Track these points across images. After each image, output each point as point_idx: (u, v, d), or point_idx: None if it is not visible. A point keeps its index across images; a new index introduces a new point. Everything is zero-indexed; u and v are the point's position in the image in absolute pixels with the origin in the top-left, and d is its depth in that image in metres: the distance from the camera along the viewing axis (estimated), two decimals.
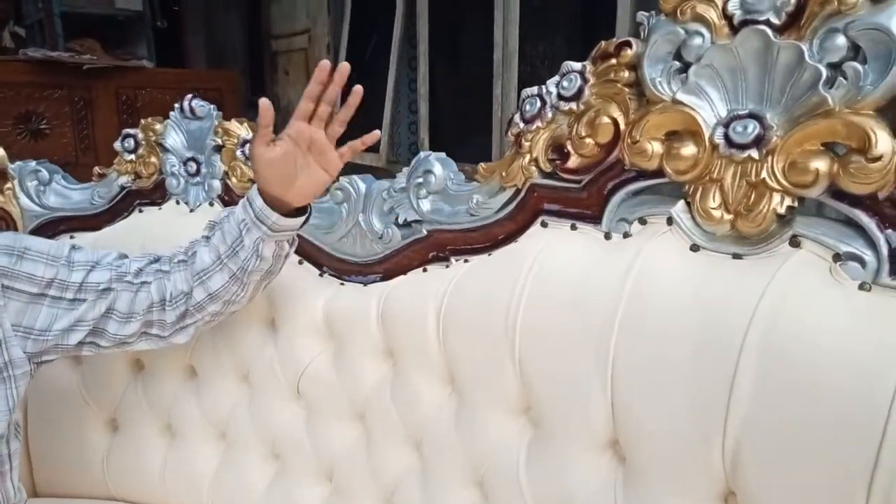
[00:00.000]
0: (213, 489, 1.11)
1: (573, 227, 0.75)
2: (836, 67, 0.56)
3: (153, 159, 1.13)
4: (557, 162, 0.76)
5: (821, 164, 0.57)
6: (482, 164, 0.85)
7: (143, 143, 1.13)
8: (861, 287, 0.55)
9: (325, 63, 0.78)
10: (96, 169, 1.19)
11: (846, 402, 0.51)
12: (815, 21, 0.57)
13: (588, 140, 0.72)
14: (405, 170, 0.93)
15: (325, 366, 0.97)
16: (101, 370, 1.14)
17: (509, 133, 0.81)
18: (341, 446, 0.97)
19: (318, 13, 4.43)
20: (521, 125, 0.79)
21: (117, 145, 1.15)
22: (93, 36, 4.37)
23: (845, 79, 0.55)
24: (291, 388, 1.01)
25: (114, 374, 1.14)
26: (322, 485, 1.01)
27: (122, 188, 1.16)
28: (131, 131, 1.16)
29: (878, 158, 0.54)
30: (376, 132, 0.85)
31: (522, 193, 0.80)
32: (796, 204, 0.60)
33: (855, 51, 0.55)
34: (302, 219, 0.83)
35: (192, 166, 1.11)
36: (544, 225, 0.78)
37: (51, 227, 1.17)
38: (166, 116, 1.14)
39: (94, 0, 4.63)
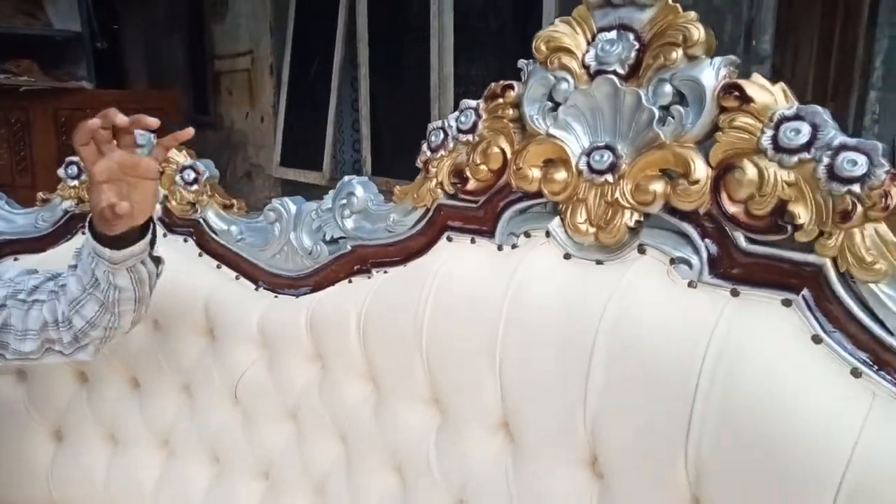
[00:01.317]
0: (155, 495, 1.18)
1: (472, 241, 0.87)
2: (666, 109, 0.70)
3: None
4: (458, 185, 0.88)
5: (658, 186, 0.70)
6: (398, 187, 0.97)
7: (86, 169, 1.21)
8: (689, 285, 0.69)
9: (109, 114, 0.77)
10: (40, 194, 1.26)
11: (670, 369, 0.64)
12: (650, 72, 0.70)
13: (482, 167, 0.85)
14: (331, 192, 1.03)
15: (260, 372, 1.06)
16: (45, 383, 1.20)
17: (419, 160, 0.93)
18: (276, 445, 1.06)
19: (260, 35, 4.50)
20: (429, 153, 0.91)
21: (61, 172, 1.22)
22: (30, 57, 4.33)
23: (673, 118, 0.69)
24: (230, 394, 1.09)
25: (58, 386, 1.20)
26: (259, 482, 1.09)
27: (66, 212, 1.22)
28: (74, 158, 1.22)
29: (697, 181, 0.67)
30: (190, 129, 0.81)
31: (431, 212, 0.92)
32: (642, 218, 0.73)
33: (680, 97, 0.69)
34: (143, 242, 0.82)
35: None
36: (449, 239, 0.90)
37: None
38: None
39: (31, 20, 4.57)
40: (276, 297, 1.09)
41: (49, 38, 4.56)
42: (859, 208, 0.58)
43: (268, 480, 1.09)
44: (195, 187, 1.16)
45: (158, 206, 1.19)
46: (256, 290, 1.11)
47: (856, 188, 0.58)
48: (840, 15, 3.57)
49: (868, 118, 3.68)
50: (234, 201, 1.18)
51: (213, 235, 1.15)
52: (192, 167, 1.16)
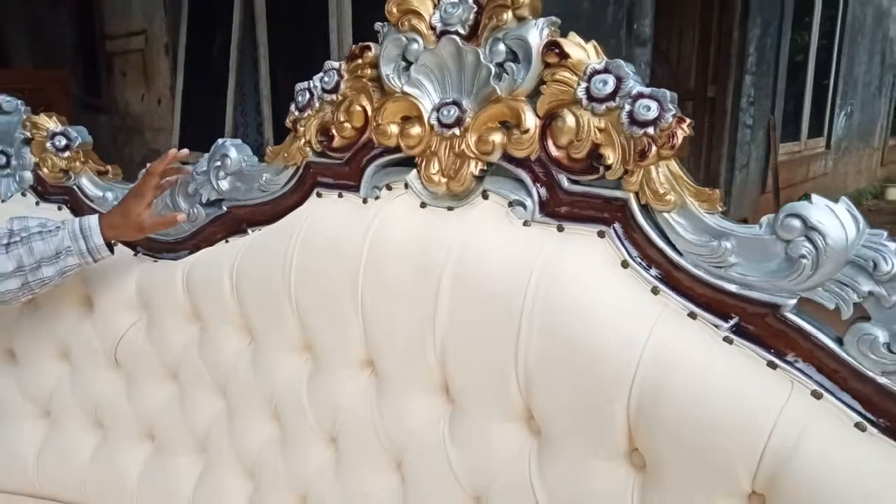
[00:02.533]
0: (38, 465, 1.17)
1: (340, 195, 0.92)
2: (501, 66, 0.77)
3: None
4: (325, 143, 0.92)
5: (497, 137, 0.78)
6: (269, 147, 1.01)
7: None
8: (524, 224, 0.77)
9: (173, 151, 0.97)
10: None
11: (502, 296, 0.72)
12: (486, 32, 0.77)
13: (346, 124, 0.90)
14: (206, 155, 1.06)
15: (139, 335, 1.07)
16: None
17: (287, 120, 0.97)
18: (159, 405, 1.08)
19: (154, 13, 4.34)
20: (297, 113, 0.95)
21: None
22: None
23: (507, 74, 0.76)
24: (109, 359, 1.10)
25: None
26: (144, 444, 1.11)
27: None
28: None
29: (528, 131, 0.75)
30: (189, 167, 1.03)
31: (301, 170, 0.96)
32: (486, 167, 0.80)
33: (512, 55, 0.77)
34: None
35: (2, 159, 1.17)
36: (319, 195, 0.94)
37: None
38: None
39: None
40: (155, 261, 1.10)
41: None
42: (654, 147, 0.68)
43: (153, 442, 1.11)
44: (67, 154, 1.15)
45: (29, 174, 1.17)
46: (135, 255, 1.12)
47: (650, 130, 0.68)
48: (716, 3, 3.85)
49: (744, 100, 3.99)
50: (109, 167, 1.18)
51: (89, 202, 1.15)
52: (63, 133, 1.15)
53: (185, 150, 0.98)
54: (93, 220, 0.94)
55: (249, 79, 3.86)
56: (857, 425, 0.59)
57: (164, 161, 0.95)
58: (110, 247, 0.96)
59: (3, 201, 1.17)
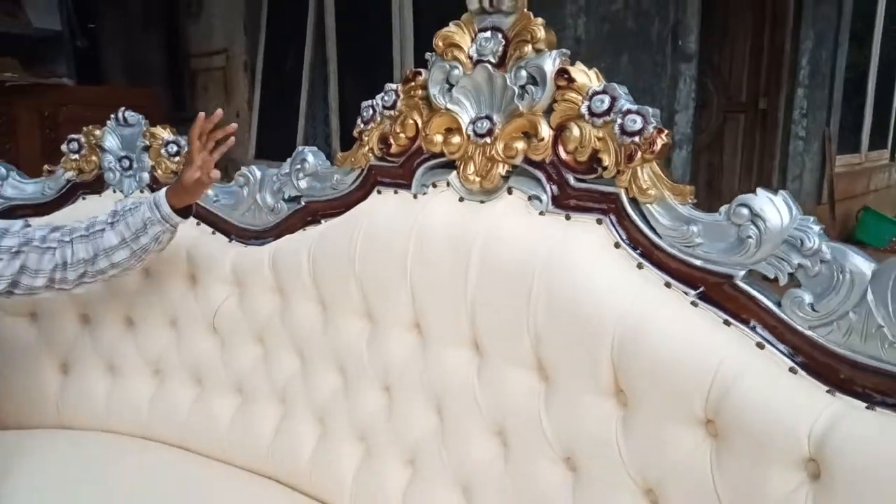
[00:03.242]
0: (149, 413, 1.43)
1: (395, 192, 1.13)
2: (523, 88, 0.97)
3: (94, 158, 1.45)
4: (384, 149, 1.14)
5: (519, 144, 0.98)
6: (340, 153, 1.23)
7: (85, 145, 1.45)
8: (540, 213, 0.96)
9: (202, 114, 1.13)
10: (46, 167, 1.50)
11: (518, 271, 0.91)
12: (511, 61, 0.97)
13: (401, 135, 1.11)
14: (288, 160, 1.29)
15: (233, 305, 1.32)
16: (54, 324, 1.44)
17: (355, 132, 1.19)
18: (247, 364, 1.32)
19: (234, 34, 4.72)
20: (362, 126, 1.18)
21: (64, 147, 1.47)
22: (11, 54, 4.50)
23: (528, 94, 0.96)
24: (208, 326, 1.35)
25: (65, 326, 1.45)
26: (233, 396, 1.35)
27: (69, 181, 1.47)
28: (75, 136, 1.47)
29: (543, 139, 0.95)
30: (231, 139, 1.17)
31: (365, 172, 1.18)
32: (511, 168, 1.00)
33: (532, 79, 0.96)
34: (191, 217, 1.18)
35: (126, 163, 1.44)
36: (378, 192, 1.16)
37: (8, 214, 1.46)
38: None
39: (11, 19, 4.74)
40: (245, 246, 1.34)
41: (29, 36, 4.74)
42: (638, 153, 0.86)
43: (241, 395, 1.34)
44: (177, 158, 1.41)
45: (146, 175, 1.44)
46: (230, 241, 1.36)
47: (636, 139, 0.86)
48: (768, 17, 3.92)
49: (797, 112, 4.03)
50: None
51: None
52: (174, 141, 1.42)
53: (219, 111, 1.14)
54: (161, 192, 1.14)
55: (319, 93, 4.17)
56: (791, 369, 0.75)
57: (197, 126, 1.10)
58: (183, 213, 1.14)
59: (126, 197, 1.44)
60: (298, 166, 1.27)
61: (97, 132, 1.44)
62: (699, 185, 4.24)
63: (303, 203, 1.27)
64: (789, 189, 3.48)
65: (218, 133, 1.13)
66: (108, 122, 1.45)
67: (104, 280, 1.19)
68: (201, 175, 1.10)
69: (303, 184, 1.27)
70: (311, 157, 1.26)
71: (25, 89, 4.00)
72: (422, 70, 1.08)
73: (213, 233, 1.38)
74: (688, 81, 2.93)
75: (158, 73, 5.87)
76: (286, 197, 1.30)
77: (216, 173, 1.12)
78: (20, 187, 1.49)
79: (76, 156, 1.46)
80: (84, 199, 1.47)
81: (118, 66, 6.40)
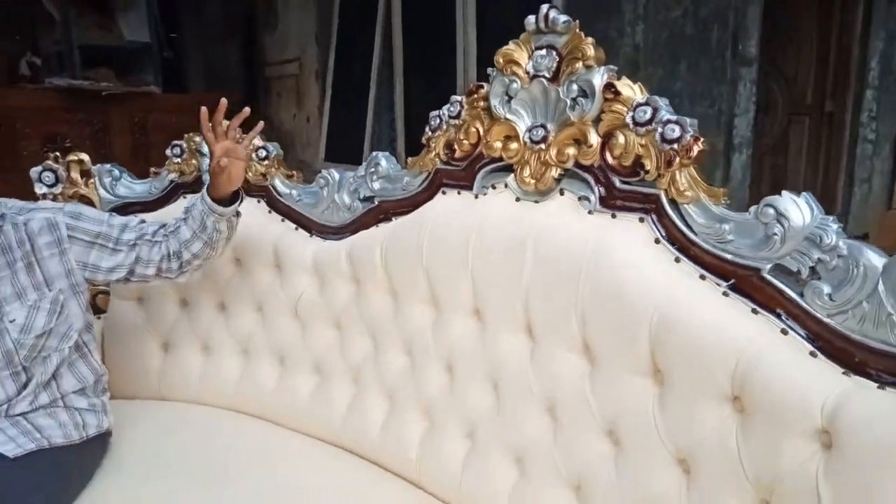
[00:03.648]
0: (237, 388, 1.61)
1: (458, 193, 1.27)
2: (574, 100, 1.08)
3: (193, 161, 1.64)
4: (449, 154, 1.28)
5: (571, 150, 1.09)
6: (409, 158, 1.37)
7: (186, 150, 1.65)
8: (589, 212, 1.07)
9: (204, 109, 1.28)
10: (152, 169, 1.71)
11: (568, 262, 1.03)
12: (564, 76, 1.09)
13: (465, 141, 1.24)
14: (364, 163, 1.44)
15: (313, 293, 1.48)
16: (157, 307, 1.64)
17: (423, 139, 1.33)
18: (324, 346, 1.47)
19: (307, 44, 4.98)
20: (430, 133, 1.32)
21: (168, 152, 1.66)
22: (105, 65, 4.89)
23: (578, 106, 1.07)
24: (291, 311, 1.52)
25: (167, 309, 1.64)
26: (312, 376, 1.51)
27: (171, 182, 1.67)
28: (178, 142, 1.66)
29: (592, 146, 1.06)
30: (260, 123, 1.33)
31: (432, 175, 1.32)
32: (563, 172, 1.11)
33: (583, 92, 1.08)
34: (237, 204, 1.30)
35: None
36: (444, 192, 1.29)
37: (121, 211, 1.67)
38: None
39: (106, 33, 5.13)
40: (324, 241, 1.50)
41: (122, 48, 5.13)
42: (677, 158, 0.96)
43: (319, 374, 1.50)
44: (266, 162, 1.59)
45: None
46: (311, 236, 1.53)
47: (675, 146, 0.96)
48: (836, 18, 3.86)
49: (865, 115, 3.95)
50: (294, 172, 1.61)
51: (279, 197, 1.58)
52: (263, 147, 1.59)
53: (223, 101, 1.28)
54: (204, 189, 1.30)
55: (385, 99, 4.36)
56: (811, 353, 0.84)
57: (202, 122, 1.25)
58: (228, 202, 1.28)
59: None
60: (372, 170, 1.42)
61: (196, 139, 1.63)
62: (762, 187, 4.21)
63: (376, 202, 1.42)
64: (857, 194, 3.44)
65: (234, 121, 1.29)
66: None
67: (195, 269, 1.37)
68: (220, 162, 1.23)
69: (376, 185, 1.42)
70: (384, 161, 1.41)
71: (119, 97, 4.35)
72: (483, 84, 1.21)
73: (297, 228, 1.54)
74: (748, 85, 2.95)
75: (235, 81, 6.21)
76: (361, 197, 1.45)
77: (224, 161, 1.23)
78: (131, 187, 1.70)
79: (178, 159, 1.66)
80: (185, 197, 1.66)
81: (198, 74, 6.80)
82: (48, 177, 1.66)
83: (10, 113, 3.91)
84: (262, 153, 1.59)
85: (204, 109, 1.29)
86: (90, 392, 1.35)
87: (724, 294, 0.92)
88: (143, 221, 1.37)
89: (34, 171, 1.65)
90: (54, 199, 1.66)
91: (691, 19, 2.76)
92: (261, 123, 1.35)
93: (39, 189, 1.66)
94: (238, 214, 1.36)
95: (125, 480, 1.29)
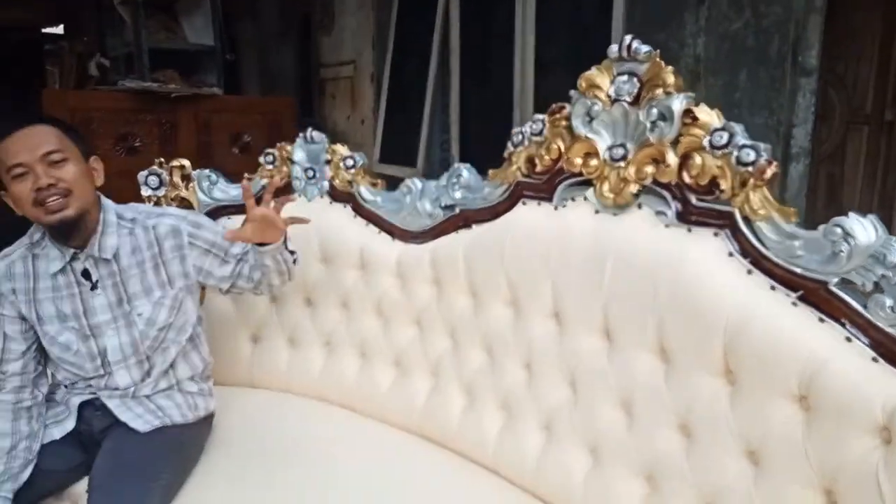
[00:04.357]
0: (320, 378, 1.75)
1: (538, 204, 1.38)
2: (654, 123, 1.18)
3: (284, 168, 1.79)
4: (530, 168, 1.39)
5: (649, 169, 1.19)
6: (491, 170, 1.49)
7: (278, 157, 1.79)
8: (665, 226, 1.17)
9: (246, 184, 1.47)
10: (245, 174, 1.86)
11: (647, 272, 1.13)
12: (644, 101, 1.19)
13: (546, 157, 1.35)
14: (446, 174, 1.57)
15: (396, 292, 1.61)
16: (249, 302, 1.79)
17: (505, 153, 1.44)
18: (405, 341, 1.60)
19: (363, 47, 5.13)
20: (512, 148, 1.43)
21: (261, 159, 1.82)
22: (170, 67, 5.13)
23: (657, 128, 1.18)
24: (375, 308, 1.65)
25: (258, 304, 1.79)
26: (392, 369, 1.64)
27: (263, 187, 1.81)
28: (270, 150, 1.81)
29: (670, 165, 1.16)
30: (294, 196, 1.52)
31: (513, 187, 1.43)
32: (641, 188, 1.22)
33: (662, 116, 1.17)
34: (276, 245, 1.38)
35: (311, 173, 1.77)
36: (524, 203, 1.41)
37: (217, 213, 1.83)
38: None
39: (171, 36, 5.38)
40: (405, 244, 1.63)
41: (186, 51, 5.36)
42: (751, 180, 1.06)
43: (398, 367, 1.63)
44: (352, 171, 1.72)
45: (327, 183, 1.76)
46: (392, 240, 1.66)
47: (749, 168, 1.06)
48: None
49: None
50: (378, 180, 1.74)
51: (364, 203, 1.71)
52: (350, 157, 1.73)
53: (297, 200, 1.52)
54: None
55: (438, 102, 4.48)
56: (873, 358, 0.93)
57: (245, 194, 1.38)
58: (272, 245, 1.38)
59: (309, 201, 1.77)
60: (455, 180, 1.54)
61: (288, 147, 1.78)
62: (818, 196, 4.19)
63: (457, 210, 1.54)
64: None
65: (269, 191, 1.40)
66: (297, 139, 1.78)
67: (267, 291, 1.56)
68: (256, 226, 1.35)
69: (457, 195, 1.54)
70: (466, 172, 1.53)
71: (185, 99, 4.56)
72: (565, 105, 1.32)
73: (380, 232, 1.68)
74: (807, 96, 2.98)
75: (289, 82, 6.43)
76: (442, 205, 1.57)
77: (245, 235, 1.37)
78: (226, 190, 1.85)
79: (270, 166, 1.81)
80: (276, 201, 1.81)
81: (254, 76, 7.05)
82: (153, 180, 1.83)
83: (88, 114, 4.15)
84: (350, 162, 1.73)
85: (246, 184, 1.48)
86: (199, 378, 1.50)
87: (794, 304, 1.01)
88: None
89: (141, 175, 1.82)
90: (158, 201, 1.83)
91: (752, 30, 2.81)
92: (293, 196, 1.55)
93: (145, 191, 1.83)
94: (292, 253, 1.47)
95: (230, 457, 1.45)
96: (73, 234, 1.32)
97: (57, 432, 1.37)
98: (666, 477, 1.13)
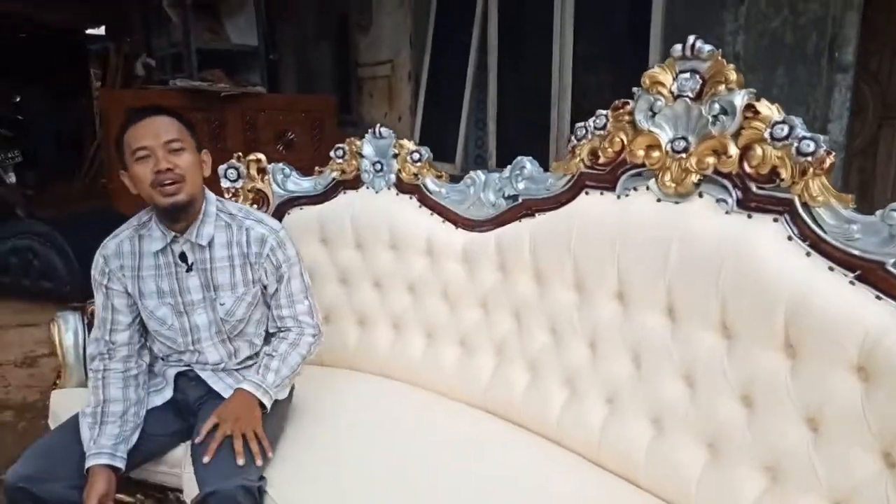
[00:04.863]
0: (388, 357, 1.87)
1: (601, 193, 1.47)
2: (715, 117, 1.27)
3: (354, 162, 1.91)
4: (593, 160, 1.49)
5: (710, 160, 1.28)
6: (553, 162, 1.59)
7: (348, 152, 1.91)
8: (726, 213, 1.26)
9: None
10: (317, 168, 1.98)
11: (711, 256, 1.22)
12: (707, 97, 1.28)
13: (609, 149, 1.45)
14: (509, 166, 1.67)
15: (462, 276, 1.72)
16: (320, 287, 1.91)
17: (568, 146, 1.54)
18: (469, 323, 1.71)
19: (400, 46, 5.25)
20: (575, 141, 1.53)
21: (332, 153, 1.94)
22: (214, 67, 5.30)
23: (719, 122, 1.27)
24: (441, 292, 1.76)
25: (328, 289, 1.91)
26: (457, 348, 1.75)
27: (334, 179, 1.94)
28: (341, 145, 1.93)
29: (731, 156, 1.25)
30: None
31: (575, 177, 1.53)
32: (702, 178, 1.31)
33: (723, 110, 1.26)
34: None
35: (378, 166, 1.88)
36: (587, 193, 1.51)
37: (290, 203, 1.96)
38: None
39: (215, 37, 5.55)
40: (469, 232, 1.74)
41: (229, 51, 5.53)
42: (811, 169, 1.15)
43: (463, 347, 1.74)
44: (419, 164, 1.84)
45: (394, 176, 1.87)
46: (456, 228, 1.77)
47: (809, 158, 1.15)
48: None
49: None
50: (442, 173, 1.85)
51: (429, 194, 1.83)
52: (417, 151, 1.84)
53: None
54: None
55: (474, 100, 4.58)
56: None
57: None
58: None
59: (377, 193, 1.89)
60: (518, 172, 1.65)
61: (358, 142, 1.90)
62: (850, 191, 4.23)
63: (520, 200, 1.64)
64: None
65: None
66: (367, 135, 1.90)
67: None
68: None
69: (521, 185, 1.64)
70: (529, 164, 1.63)
71: (233, 97, 4.73)
72: (629, 101, 1.41)
73: (444, 221, 1.79)
74: (843, 91, 3.03)
75: (327, 81, 6.57)
76: (505, 196, 1.68)
77: None
78: (299, 183, 1.98)
79: (340, 160, 1.93)
80: (345, 193, 1.93)
81: (291, 75, 7.21)
82: (232, 173, 1.96)
83: None
84: (416, 156, 1.84)
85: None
86: None
87: (851, 283, 1.10)
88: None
89: (221, 168, 1.95)
90: (235, 193, 1.96)
91: (790, 27, 2.88)
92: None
93: (224, 183, 1.96)
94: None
95: (304, 428, 1.57)
96: (179, 217, 1.45)
97: (157, 400, 1.51)
98: (728, 444, 1.22)
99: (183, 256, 1.49)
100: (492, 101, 4.37)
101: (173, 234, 1.48)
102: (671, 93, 1.34)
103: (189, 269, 1.50)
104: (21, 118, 7.42)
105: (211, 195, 1.53)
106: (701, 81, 1.30)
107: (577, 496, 1.33)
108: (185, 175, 1.40)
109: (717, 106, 1.27)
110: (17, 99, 7.80)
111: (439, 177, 1.85)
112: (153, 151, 1.37)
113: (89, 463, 1.34)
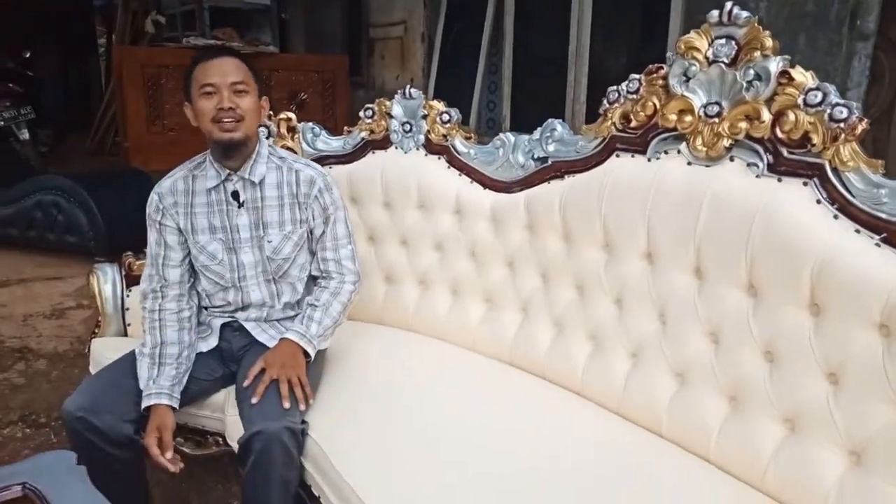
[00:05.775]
0: (415, 313, 1.93)
1: (632, 156, 1.52)
2: (749, 83, 1.31)
3: (383, 122, 1.94)
4: (624, 123, 1.52)
5: (743, 125, 1.32)
6: (584, 125, 1.63)
7: (377, 112, 1.95)
8: (757, 177, 1.31)
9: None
10: (346, 128, 2.02)
11: (742, 218, 1.27)
12: (742, 63, 1.31)
13: (641, 113, 1.49)
14: (539, 128, 1.71)
15: (489, 235, 1.77)
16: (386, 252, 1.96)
17: (601, 109, 1.58)
18: (496, 281, 1.77)
19: (414, 7, 5.21)
20: (607, 105, 1.56)
21: (361, 114, 1.97)
22: (227, 25, 5.27)
23: (753, 87, 1.30)
24: (469, 250, 1.82)
25: (390, 252, 1.96)
26: (483, 305, 1.81)
27: (363, 139, 1.97)
28: (370, 105, 1.96)
29: (764, 122, 1.29)
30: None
31: (606, 140, 1.57)
32: (734, 142, 1.35)
33: (758, 76, 1.30)
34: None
35: (408, 127, 1.92)
36: (618, 156, 1.55)
37: (319, 162, 1.98)
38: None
39: None
40: (498, 193, 1.78)
41: (241, 9, 5.50)
42: (842, 135, 1.19)
43: (489, 304, 1.80)
44: (448, 125, 1.87)
45: (422, 137, 1.91)
46: (484, 189, 1.81)
47: (841, 125, 1.19)
48: None
49: None
50: (471, 134, 1.89)
51: (458, 155, 1.87)
52: (446, 112, 1.87)
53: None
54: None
55: (489, 62, 4.57)
56: None
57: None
58: None
59: (405, 153, 1.93)
60: (548, 134, 1.68)
61: (387, 102, 1.93)
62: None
63: (550, 162, 1.68)
64: None
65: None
66: (396, 95, 1.93)
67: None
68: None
69: (550, 147, 1.68)
70: (560, 127, 1.67)
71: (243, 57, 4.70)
72: (663, 66, 1.44)
73: (472, 182, 1.83)
74: (862, 59, 3.05)
75: (337, 42, 6.53)
76: (535, 157, 1.72)
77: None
78: (328, 142, 2.01)
79: (370, 120, 1.96)
80: (373, 153, 1.97)
81: (300, 35, 7.16)
82: (262, 131, 1.99)
83: (158, 70, 4.32)
84: (445, 117, 1.87)
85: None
86: None
87: (877, 245, 1.15)
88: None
89: None
90: None
91: None
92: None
93: None
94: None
95: (336, 377, 1.64)
96: (233, 154, 1.52)
97: (203, 347, 1.58)
98: (749, 397, 1.29)
99: (235, 195, 1.56)
100: (507, 64, 4.37)
101: (227, 171, 1.54)
102: (706, 58, 1.37)
103: (240, 206, 1.56)
104: (31, 74, 7.38)
105: (264, 139, 1.59)
106: (736, 47, 1.33)
107: (602, 442, 1.40)
108: (245, 116, 1.47)
109: (751, 72, 1.30)
110: (27, 55, 7.74)
111: (468, 138, 1.88)
112: (219, 89, 1.44)
113: (150, 402, 1.42)
